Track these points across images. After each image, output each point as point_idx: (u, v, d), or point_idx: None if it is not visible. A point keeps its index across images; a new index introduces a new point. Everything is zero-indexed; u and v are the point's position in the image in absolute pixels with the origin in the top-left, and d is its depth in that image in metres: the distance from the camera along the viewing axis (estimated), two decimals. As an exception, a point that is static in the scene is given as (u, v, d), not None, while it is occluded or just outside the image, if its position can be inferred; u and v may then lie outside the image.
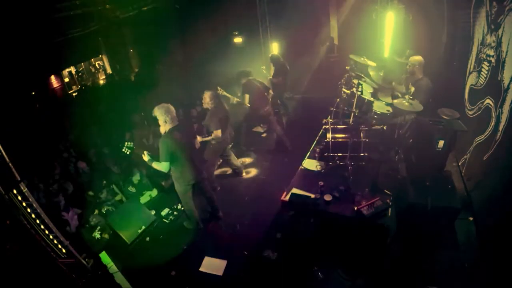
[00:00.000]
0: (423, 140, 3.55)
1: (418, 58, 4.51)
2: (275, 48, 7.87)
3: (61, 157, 5.54)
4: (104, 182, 5.20)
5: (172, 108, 3.76)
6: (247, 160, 6.00)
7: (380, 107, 4.50)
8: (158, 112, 3.72)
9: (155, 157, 3.80)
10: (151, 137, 5.99)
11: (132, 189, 5.22)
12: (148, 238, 4.51)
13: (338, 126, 4.28)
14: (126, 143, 4.11)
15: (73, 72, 10.18)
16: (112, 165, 5.41)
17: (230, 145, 5.50)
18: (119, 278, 3.90)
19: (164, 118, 3.69)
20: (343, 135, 4.15)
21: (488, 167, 3.65)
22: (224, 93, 5.46)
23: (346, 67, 5.36)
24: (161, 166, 3.74)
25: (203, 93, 4.77)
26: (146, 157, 3.79)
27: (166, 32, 9.37)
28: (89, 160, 5.56)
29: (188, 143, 3.94)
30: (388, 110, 4.44)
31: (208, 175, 4.62)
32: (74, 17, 6.44)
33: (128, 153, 4.08)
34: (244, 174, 5.59)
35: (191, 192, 4.15)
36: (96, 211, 4.80)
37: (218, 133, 4.65)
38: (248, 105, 5.50)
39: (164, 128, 3.74)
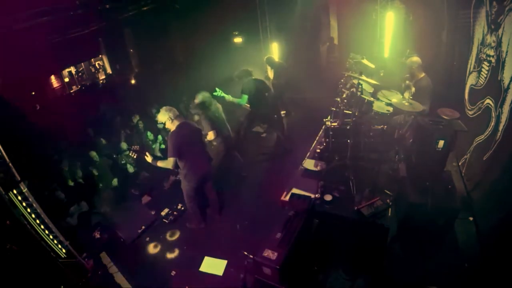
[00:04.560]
0: (423, 140, 3.54)
1: (416, 59, 4.51)
2: (275, 48, 7.86)
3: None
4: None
5: (173, 109, 3.85)
6: (247, 160, 5.99)
7: (380, 107, 4.50)
8: (161, 115, 3.81)
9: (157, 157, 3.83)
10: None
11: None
12: (148, 238, 4.52)
13: (338, 126, 4.28)
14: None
15: (73, 72, 10.18)
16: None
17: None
18: (119, 278, 3.90)
19: (168, 116, 3.77)
20: (343, 135, 4.14)
21: (488, 167, 3.65)
22: (222, 94, 5.47)
23: (346, 64, 5.36)
24: (167, 163, 3.77)
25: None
26: (149, 158, 3.85)
27: (166, 32, 9.36)
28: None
29: (196, 139, 3.99)
30: (388, 110, 4.44)
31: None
32: (74, 17, 6.44)
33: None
34: (244, 174, 5.58)
35: (195, 191, 4.15)
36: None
37: (211, 135, 4.70)
38: (248, 105, 5.50)
39: (172, 125, 3.81)
